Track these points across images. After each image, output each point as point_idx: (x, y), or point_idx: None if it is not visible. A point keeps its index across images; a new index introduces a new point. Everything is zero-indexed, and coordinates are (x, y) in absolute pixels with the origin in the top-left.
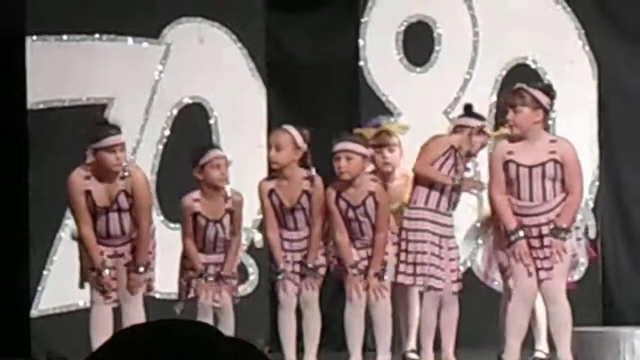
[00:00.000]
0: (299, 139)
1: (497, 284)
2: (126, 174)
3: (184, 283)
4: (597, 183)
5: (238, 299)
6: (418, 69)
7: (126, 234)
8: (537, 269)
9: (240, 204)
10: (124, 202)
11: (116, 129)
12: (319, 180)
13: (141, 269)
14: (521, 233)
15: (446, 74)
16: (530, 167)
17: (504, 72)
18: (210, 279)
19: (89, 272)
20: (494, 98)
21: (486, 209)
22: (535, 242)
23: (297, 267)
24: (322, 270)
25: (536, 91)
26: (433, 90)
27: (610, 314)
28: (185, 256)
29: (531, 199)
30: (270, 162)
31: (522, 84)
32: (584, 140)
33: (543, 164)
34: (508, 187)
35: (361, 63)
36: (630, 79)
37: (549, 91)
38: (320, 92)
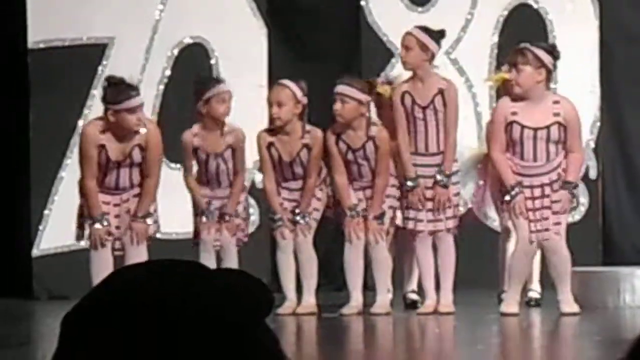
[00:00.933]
0: (299, 93)
1: (495, 223)
2: (142, 130)
3: (193, 219)
4: (598, 124)
5: (244, 239)
6: (419, 9)
7: (134, 185)
8: (537, 222)
9: (242, 140)
10: (137, 156)
11: (136, 90)
12: (319, 133)
13: (143, 218)
14: (518, 189)
15: (447, 13)
16: (535, 130)
17: (506, 12)
18: (213, 216)
19: (87, 220)
20: (496, 38)
21: (481, 149)
22: (537, 202)
23: (291, 215)
24: (316, 216)
25: (539, 50)
26: None
27: (611, 254)
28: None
29: (535, 160)
30: (272, 119)
31: (525, 43)
32: (585, 80)
33: (548, 127)
34: (511, 147)
35: (362, 3)
36: (632, 18)
37: (552, 51)
38: (321, 32)
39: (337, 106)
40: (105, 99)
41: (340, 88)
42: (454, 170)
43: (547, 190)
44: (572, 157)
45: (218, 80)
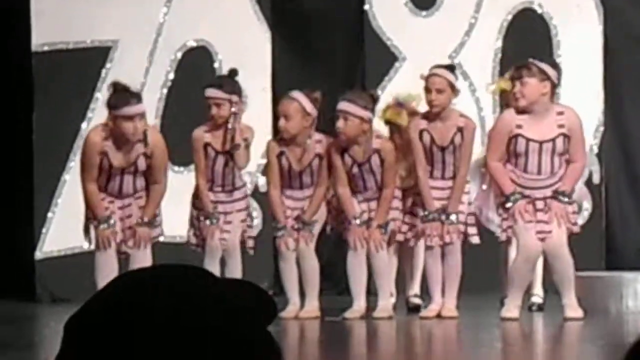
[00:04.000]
0: (308, 106)
1: (496, 227)
2: (148, 139)
3: (195, 223)
4: (601, 128)
5: (250, 240)
6: (423, 13)
7: (138, 191)
8: (538, 232)
9: (251, 138)
10: (142, 164)
11: (137, 98)
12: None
13: (148, 223)
14: (518, 196)
15: (451, 18)
16: (541, 143)
17: (510, 17)
18: (218, 220)
19: (92, 222)
20: (500, 43)
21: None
22: (539, 214)
23: (295, 223)
24: (318, 227)
25: (543, 64)
26: (438, 35)
27: (614, 259)
28: (196, 196)
29: (539, 173)
30: (279, 131)
31: (529, 59)
32: (589, 85)
33: (553, 140)
34: (515, 160)
35: (366, 7)
36: (636, 23)
37: (556, 65)
38: (324, 36)
39: (340, 124)
40: (107, 104)
41: (343, 105)
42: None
43: (550, 201)
44: (572, 167)
45: (212, 83)
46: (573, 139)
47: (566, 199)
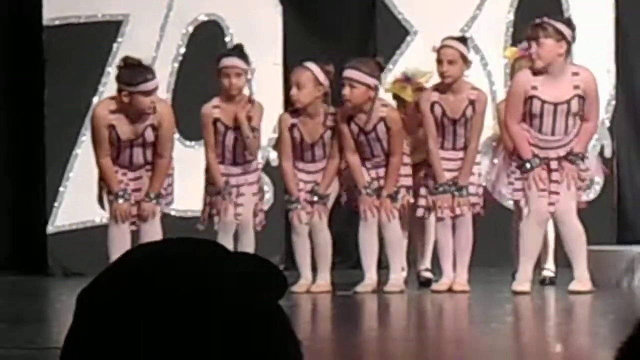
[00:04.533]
0: (321, 76)
1: (508, 200)
2: (157, 110)
3: (207, 199)
4: (613, 102)
5: (262, 222)
6: None
7: (148, 163)
8: (550, 193)
9: (259, 115)
10: (150, 136)
11: (152, 73)
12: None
13: (153, 198)
14: (537, 161)
15: None
16: (556, 105)
17: None
18: (230, 194)
19: (107, 196)
20: (512, 16)
21: (495, 128)
22: (553, 174)
23: (308, 196)
24: (332, 199)
25: (558, 23)
26: (450, 9)
27: (625, 233)
28: (207, 170)
29: (553, 134)
30: (292, 100)
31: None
32: (601, 59)
33: (568, 101)
34: (530, 121)
35: None
36: None
37: (570, 23)
38: (335, 9)
39: (346, 91)
40: (120, 80)
41: (348, 72)
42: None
43: (563, 162)
44: (585, 127)
45: (229, 53)
46: (588, 99)
47: (579, 161)
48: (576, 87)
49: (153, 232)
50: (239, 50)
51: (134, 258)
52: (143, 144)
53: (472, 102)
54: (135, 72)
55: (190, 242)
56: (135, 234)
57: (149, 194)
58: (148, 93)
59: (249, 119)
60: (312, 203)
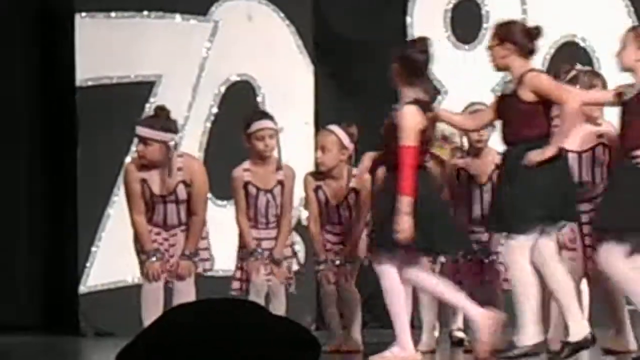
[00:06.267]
0: (346, 140)
1: None
2: (183, 165)
3: (238, 262)
4: None
5: (291, 280)
6: (466, 47)
7: (182, 223)
8: (587, 254)
9: (292, 178)
10: (182, 192)
11: (174, 126)
12: (366, 177)
13: (190, 256)
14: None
15: None
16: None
17: (552, 50)
18: (262, 256)
19: (140, 255)
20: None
21: None
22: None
23: (335, 258)
24: (358, 262)
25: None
26: (480, 69)
27: None
28: (239, 234)
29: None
30: (316, 164)
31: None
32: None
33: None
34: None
35: (408, 39)
36: None
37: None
38: (367, 69)
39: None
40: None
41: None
42: None
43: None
44: None
45: (260, 116)
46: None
47: None
48: (600, 136)
49: (187, 291)
50: (264, 113)
51: (170, 321)
52: (176, 201)
53: (498, 167)
54: (154, 118)
55: (226, 304)
56: (167, 292)
57: (185, 252)
58: (163, 144)
59: (282, 187)
60: (339, 266)
